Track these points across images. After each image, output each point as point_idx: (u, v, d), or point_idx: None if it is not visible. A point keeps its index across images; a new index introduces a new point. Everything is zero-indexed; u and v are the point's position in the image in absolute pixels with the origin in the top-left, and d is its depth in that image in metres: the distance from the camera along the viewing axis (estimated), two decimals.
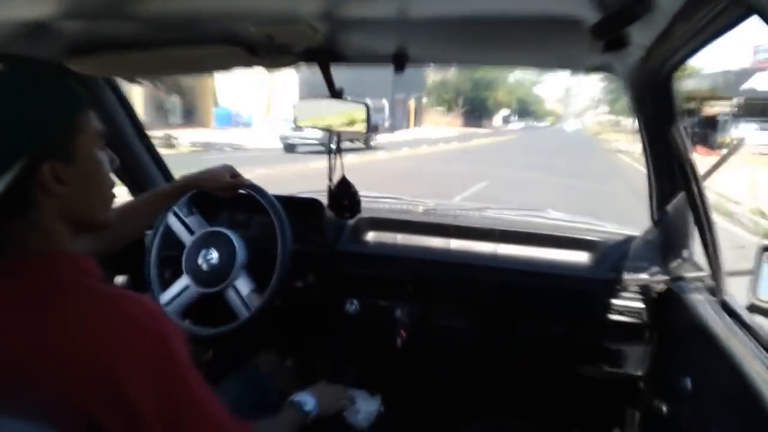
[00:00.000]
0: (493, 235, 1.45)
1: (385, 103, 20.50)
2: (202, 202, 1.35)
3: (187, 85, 18.44)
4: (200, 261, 1.26)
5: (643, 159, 1.28)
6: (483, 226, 1.49)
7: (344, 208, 1.37)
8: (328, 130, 1.31)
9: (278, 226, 1.23)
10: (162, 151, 1.64)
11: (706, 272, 1.10)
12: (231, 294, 1.24)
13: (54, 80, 0.60)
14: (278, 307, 1.33)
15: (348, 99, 1.25)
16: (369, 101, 1.60)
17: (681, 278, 1.16)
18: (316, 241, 1.44)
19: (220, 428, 0.63)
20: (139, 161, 1.56)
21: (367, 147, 15.06)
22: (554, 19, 0.83)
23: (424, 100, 37.93)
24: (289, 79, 19.25)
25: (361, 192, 1.39)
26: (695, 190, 1.04)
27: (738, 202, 7.68)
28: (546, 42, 1.02)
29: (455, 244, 1.47)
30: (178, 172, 1.49)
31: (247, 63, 1.10)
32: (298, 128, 13.46)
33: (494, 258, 1.43)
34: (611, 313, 1.28)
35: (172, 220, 1.32)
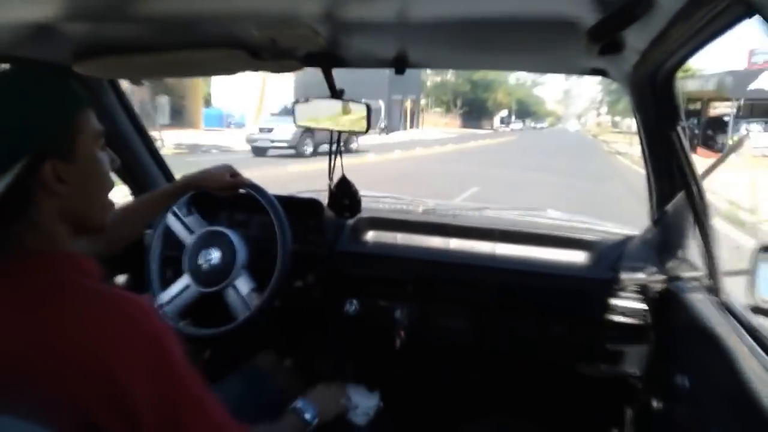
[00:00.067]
0: (492, 235, 1.47)
1: (381, 104, 20.18)
2: (202, 201, 1.37)
3: (176, 85, 18.38)
4: (200, 261, 1.27)
5: (642, 161, 1.30)
6: (482, 225, 1.51)
7: (344, 207, 1.40)
8: (329, 130, 1.35)
9: (278, 225, 1.24)
10: None
11: (703, 272, 1.12)
12: (231, 294, 1.25)
13: (54, 80, 0.61)
14: (278, 307, 1.34)
15: (348, 99, 1.27)
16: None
17: (680, 278, 1.18)
18: (315, 240, 1.46)
19: (219, 428, 0.63)
20: (140, 161, 1.58)
21: (347, 150, 14.35)
22: (551, 22, 0.85)
23: (423, 101, 38.05)
24: (283, 80, 19.26)
25: (361, 192, 1.42)
26: (694, 190, 1.06)
27: (752, 210, 7.58)
28: (543, 45, 1.05)
29: (455, 243, 1.49)
30: None
31: (251, 66, 1.12)
32: (265, 130, 12.48)
33: (493, 258, 1.44)
34: (610, 312, 1.30)
35: (172, 220, 1.33)
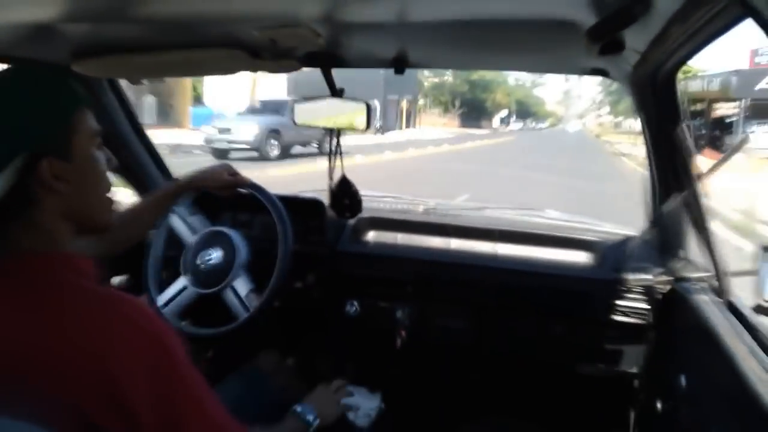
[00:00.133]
0: (492, 235, 1.49)
1: (376, 104, 20.27)
2: (205, 202, 1.38)
3: (164, 84, 18.34)
4: (199, 261, 1.28)
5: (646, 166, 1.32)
6: (483, 225, 1.53)
7: (345, 207, 1.42)
8: (328, 129, 1.37)
9: (279, 225, 1.25)
10: None
11: (709, 272, 1.13)
12: (229, 295, 1.26)
13: (51, 79, 0.62)
14: (278, 307, 1.35)
15: (347, 98, 1.29)
16: None
17: (684, 279, 1.19)
18: (316, 241, 1.47)
19: (218, 428, 0.64)
20: (139, 161, 1.59)
21: (321, 152, 12.68)
22: (551, 22, 0.87)
23: (421, 101, 38.17)
24: (276, 78, 19.24)
25: (361, 191, 1.43)
26: (695, 190, 1.08)
27: None
28: (543, 46, 1.06)
29: (455, 243, 1.50)
30: None
31: (250, 66, 1.14)
32: (224, 130, 12.11)
33: (494, 258, 1.46)
34: (614, 313, 1.32)
35: (175, 221, 1.34)
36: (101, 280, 0.66)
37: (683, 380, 1.00)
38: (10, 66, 0.64)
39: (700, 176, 1.09)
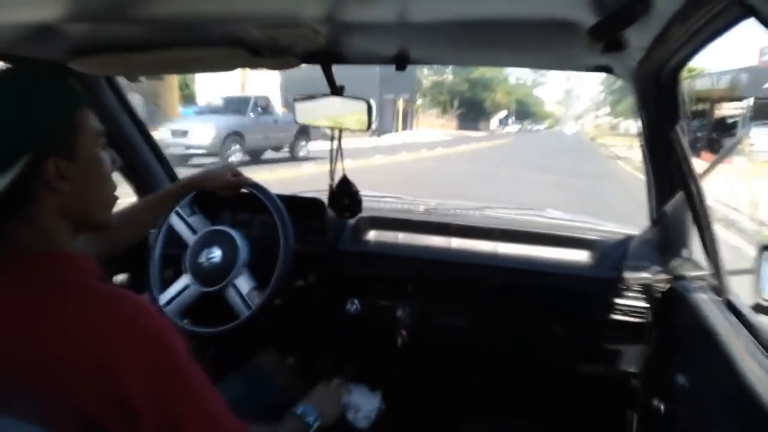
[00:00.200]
0: (493, 234, 1.51)
1: (372, 103, 20.14)
2: (205, 202, 1.40)
3: (151, 83, 18.23)
4: (201, 259, 1.30)
5: (643, 167, 1.33)
6: (483, 225, 1.55)
7: (344, 207, 1.44)
8: (330, 129, 1.40)
9: (280, 224, 1.27)
10: None
11: (708, 271, 1.15)
12: (231, 293, 1.28)
13: (52, 79, 0.63)
14: (279, 306, 1.37)
15: (348, 96, 1.30)
16: None
17: (683, 277, 1.21)
18: (317, 240, 1.49)
19: (219, 426, 0.65)
20: (143, 161, 1.62)
21: (293, 157, 12.36)
22: (553, 21, 0.88)
23: (419, 101, 38.12)
24: (269, 75, 19.16)
25: (362, 191, 1.45)
26: (694, 189, 1.10)
27: None
28: (545, 44, 1.08)
29: (456, 243, 1.53)
30: None
31: (250, 64, 1.16)
32: (178, 133, 10.36)
33: (494, 257, 1.48)
34: (613, 312, 1.34)
35: (175, 221, 1.36)
36: (103, 278, 0.67)
37: (682, 379, 1.01)
38: (8, 65, 0.65)
39: (699, 175, 1.11)
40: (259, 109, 11.90)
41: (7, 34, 1.02)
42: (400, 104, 28.81)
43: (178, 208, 1.35)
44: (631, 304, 1.33)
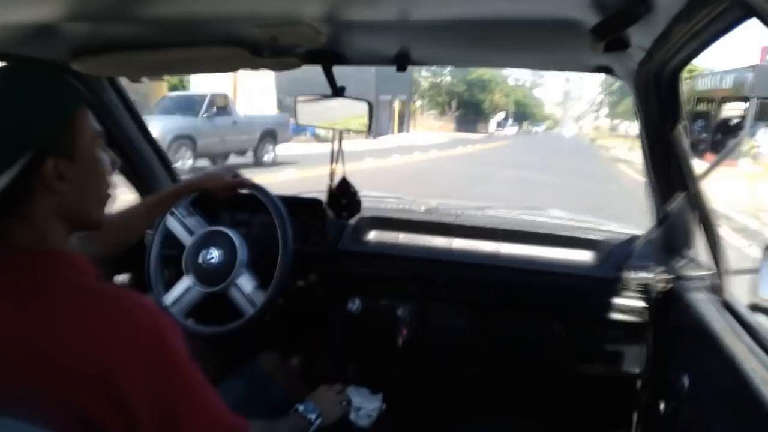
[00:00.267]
0: (495, 234, 1.52)
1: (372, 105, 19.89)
2: (203, 203, 1.41)
3: (135, 84, 18.06)
4: (200, 260, 1.32)
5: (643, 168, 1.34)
6: (485, 225, 1.56)
7: (342, 207, 1.46)
8: (330, 129, 1.42)
9: (279, 224, 1.29)
10: None
11: (708, 271, 1.16)
12: (234, 292, 1.30)
13: (51, 79, 0.64)
14: (280, 306, 1.38)
15: (349, 97, 1.32)
16: None
17: (683, 277, 1.22)
18: (317, 240, 1.51)
19: (217, 423, 0.66)
20: (145, 162, 1.63)
21: (257, 163, 11.31)
22: (555, 21, 0.89)
23: (418, 103, 38.17)
24: (264, 76, 19.11)
25: (363, 191, 1.47)
26: (696, 189, 1.12)
27: None
28: (547, 44, 1.09)
29: (457, 243, 1.54)
30: None
31: (251, 64, 1.17)
32: None
33: (496, 257, 1.50)
34: (613, 312, 1.35)
35: (172, 222, 1.37)
36: (102, 278, 0.68)
37: (682, 379, 1.03)
38: (9, 65, 0.67)
39: (701, 175, 1.13)
40: (215, 109, 10.60)
41: (9, 34, 1.03)
42: (397, 105, 28.63)
43: (173, 209, 1.36)
44: (631, 304, 1.35)
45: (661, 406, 1.16)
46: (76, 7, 0.89)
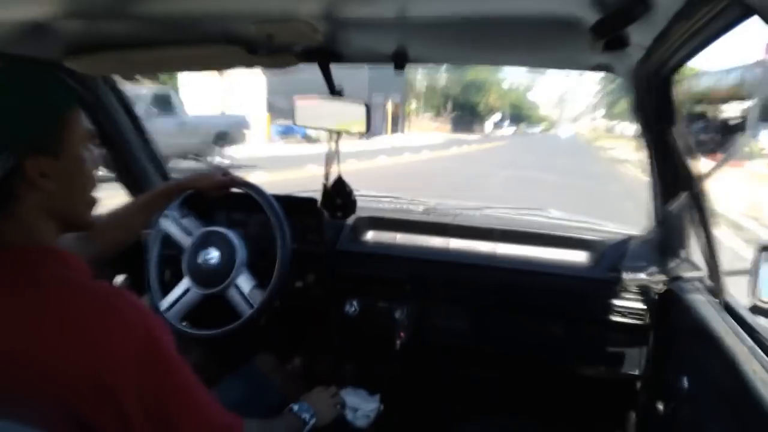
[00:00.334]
0: (492, 234, 1.54)
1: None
2: (197, 203, 1.41)
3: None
4: (200, 261, 1.32)
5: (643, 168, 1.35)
6: (483, 225, 1.58)
7: (337, 207, 1.47)
8: (328, 131, 1.43)
9: (276, 224, 1.30)
10: None
11: (704, 272, 1.18)
12: (233, 293, 1.30)
13: (41, 77, 0.64)
14: (278, 307, 1.39)
15: (346, 98, 1.33)
16: None
17: (681, 278, 1.23)
18: (315, 240, 1.51)
19: (210, 420, 0.67)
20: (138, 161, 1.63)
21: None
22: (554, 19, 0.90)
23: (413, 104, 38.18)
24: (255, 76, 19.04)
25: (360, 191, 1.48)
26: (696, 190, 1.12)
27: None
28: (546, 42, 1.10)
29: (455, 243, 1.55)
30: None
31: (247, 62, 1.17)
32: None
33: (494, 257, 1.51)
34: (611, 313, 1.36)
35: (168, 224, 1.38)
36: (95, 276, 0.68)
37: (681, 380, 1.04)
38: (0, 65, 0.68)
39: (701, 176, 1.13)
40: (155, 109, 9.49)
41: (3, 33, 1.03)
42: (389, 106, 28.52)
43: (168, 211, 1.36)
44: (628, 305, 1.36)
45: (660, 407, 1.17)
46: (71, 4, 0.89)
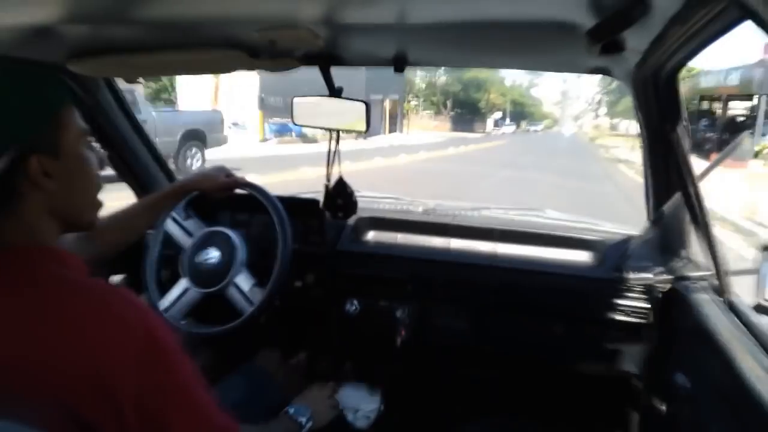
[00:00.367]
0: (492, 234, 1.55)
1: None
2: (201, 205, 1.42)
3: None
4: (198, 261, 1.33)
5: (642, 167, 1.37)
6: (483, 225, 1.59)
7: (338, 207, 1.48)
8: (327, 130, 1.44)
9: (279, 224, 1.31)
10: None
11: (709, 271, 1.19)
12: (232, 291, 1.31)
13: (37, 76, 0.65)
14: (278, 306, 1.41)
15: (346, 98, 1.34)
16: None
17: (685, 278, 1.24)
18: (316, 240, 1.52)
19: (207, 421, 0.67)
20: (141, 162, 1.65)
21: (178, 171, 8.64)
22: (552, 23, 0.91)
23: (413, 102, 38.14)
24: (246, 77, 18.97)
25: (361, 192, 1.49)
26: (693, 189, 1.14)
27: None
28: (544, 46, 1.11)
29: (455, 243, 1.57)
30: None
31: (249, 66, 1.19)
32: None
33: (494, 258, 1.52)
34: (614, 312, 1.37)
35: (171, 226, 1.38)
36: (93, 275, 0.68)
37: (683, 379, 1.05)
38: None
39: (697, 176, 1.15)
40: None
41: (5, 36, 1.04)
42: (387, 105, 28.27)
43: (173, 213, 1.37)
44: (632, 304, 1.37)
45: (662, 407, 1.18)
46: (76, 9, 0.91)
